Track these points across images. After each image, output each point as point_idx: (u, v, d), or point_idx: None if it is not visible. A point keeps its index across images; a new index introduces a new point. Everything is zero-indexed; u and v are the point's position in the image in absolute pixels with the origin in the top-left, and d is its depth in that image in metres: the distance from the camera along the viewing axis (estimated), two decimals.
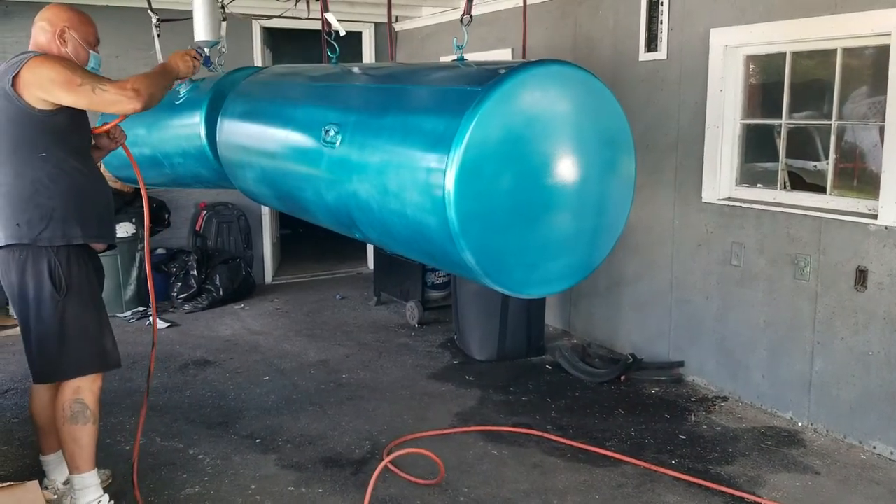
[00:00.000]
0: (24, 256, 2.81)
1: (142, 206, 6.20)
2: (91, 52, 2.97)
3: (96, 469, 2.99)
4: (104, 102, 2.71)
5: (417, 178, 2.24)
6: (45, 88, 2.68)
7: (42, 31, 2.91)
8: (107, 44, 6.13)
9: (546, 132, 2.23)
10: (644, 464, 3.60)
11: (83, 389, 2.91)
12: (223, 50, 4.09)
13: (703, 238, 4.50)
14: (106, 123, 3.09)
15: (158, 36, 4.48)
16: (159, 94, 2.82)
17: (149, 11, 4.31)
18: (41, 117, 2.74)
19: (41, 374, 2.97)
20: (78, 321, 2.87)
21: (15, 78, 2.70)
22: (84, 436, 2.91)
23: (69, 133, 2.82)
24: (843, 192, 3.92)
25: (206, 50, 3.32)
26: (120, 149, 3.24)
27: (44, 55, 2.76)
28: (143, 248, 6.16)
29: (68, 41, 2.89)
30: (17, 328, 5.80)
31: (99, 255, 3.07)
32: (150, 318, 5.86)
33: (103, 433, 3.44)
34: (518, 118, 2.18)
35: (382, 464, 3.34)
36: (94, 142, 3.07)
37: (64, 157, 2.81)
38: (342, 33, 3.34)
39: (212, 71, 3.31)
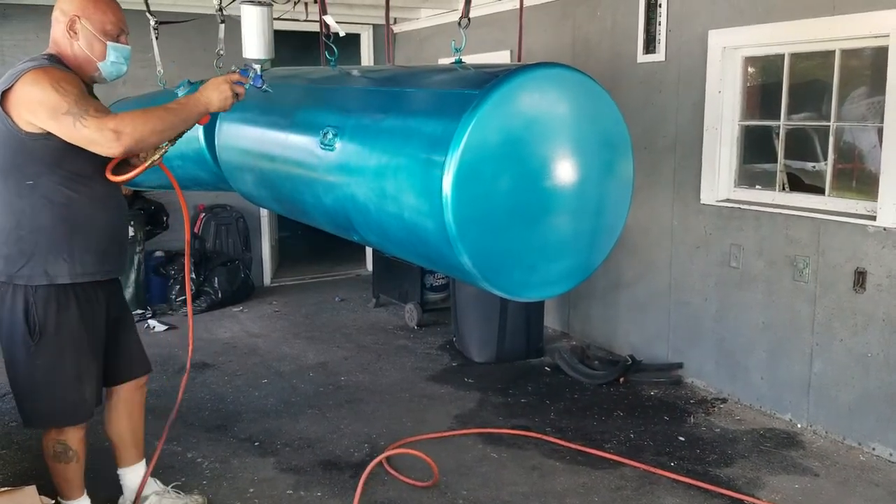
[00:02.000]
0: (4, 293, 2.57)
1: (140, 209, 6.23)
2: (110, 43, 2.57)
3: (85, 492, 2.93)
4: (82, 140, 2.34)
5: (415, 181, 2.24)
6: (33, 111, 2.37)
7: (56, 22, 2.57)
8: None
9: (543, 135, 2.22)
10: (643, 466, 3.59)
11: (67, 432, 2.74)
12: (221, 52, 4.08)
13: (702, 240, 4.50)
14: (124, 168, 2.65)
15: (157, 39, 4.48)
16: (155, 138, 2.40)
17: (147, 14, 4.31)
18: (29, 142, 2.41)
19: (22, 419, 2.81)
20: (51, 370, 2.61)
21: (6, 93, 2.40)
22: (69, 472, 2.81)
23: (64, 158, 2.46)
24: (842, 194, 3.91)
25: (257, 68, 2.70)
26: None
27: (40, 70, 2.40)
28: (141, 250, 6.15)
29: (80, 33, 2.53)
30: None
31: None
32: (149, 322, 5.87)
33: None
34: (515, 121, 2.17)
35: (373, 463, 3.36)
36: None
37: (54, 187, 2.49)
38: (341, 34, 3.33)
39: (264, 92, 2.74)
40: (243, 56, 2.67)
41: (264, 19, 2.67)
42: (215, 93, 2.52)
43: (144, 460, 3.11)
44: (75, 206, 2.54)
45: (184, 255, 6.48)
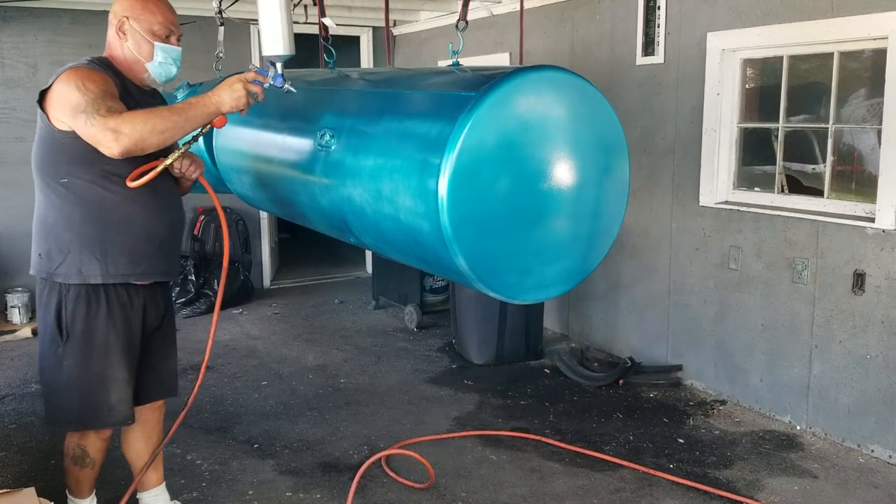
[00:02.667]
0: (43, 289, 2.59)
1: None
2: (157, 44, 2.54)
3: (93, 493, 2.90)
4: (90, 139, 2.31)
5: (411, 183, 2.24)
6: (61, 109, 2.38)
7: (109, 24, 2.57)
8: (102, 50, 6.11)
9: (540, 137, 2.22)
10: (642, 468, 3.59)
11: (88, 437, 2.72)
12: (221, 55, 4.09)
13: (701, 242, 4.50)
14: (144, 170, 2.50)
15: None
16: (156, 139, 2.30)
17: (108, 17, 4.31)
18: (61, 139, 2.42)
19: (45, 415, 2.80)
20: (76, 371, 2.56)
21: (46, 92, 2.44)
22: (82, 475, 2.80)
23: (97, 156, 2.37)
24: (841, 196, 3.91)
25: (278, 66, 2.53)
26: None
27: (73, 69, 2.42)
28: None
29: (128, 34, 2.53)
30: (15, 333, 5.83)
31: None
32: None
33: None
34: (512, 123, 2.17)
35: (367, 463, 3.38)
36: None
37: (87, 185, 2.46)
38: (332, 26, 3.28)
39: (286, 92, 2.55)
40: (262, 54, 2.54)
41: (284, 12, 2.49)
42: (227, 92, 2.40)
43: (164, 484, 3.06)
44: (108, 204, 2.49)
45: (184, 256, 6.48)
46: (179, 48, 2.61)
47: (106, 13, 2.61)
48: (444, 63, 6.36)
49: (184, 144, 2.53)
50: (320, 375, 4.89)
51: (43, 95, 2.45)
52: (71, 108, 2.32)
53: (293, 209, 3.07)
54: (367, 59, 7.51)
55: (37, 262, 2.58)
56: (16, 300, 5.88)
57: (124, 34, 2.53)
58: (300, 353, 5.33)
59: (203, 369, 2.84)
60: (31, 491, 2.68)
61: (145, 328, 2.70)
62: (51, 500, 2.85)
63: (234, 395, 4.55)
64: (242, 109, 2.44)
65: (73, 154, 2.42)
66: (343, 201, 2.57)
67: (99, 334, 2.55)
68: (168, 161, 2.48)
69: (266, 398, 4.50)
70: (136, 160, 2.41)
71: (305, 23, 5.90)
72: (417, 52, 7.20)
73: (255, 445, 3.86)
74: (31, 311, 6.01)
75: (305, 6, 5.66)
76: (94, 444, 2.75)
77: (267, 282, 7.28)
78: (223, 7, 4.62)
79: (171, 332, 2.89)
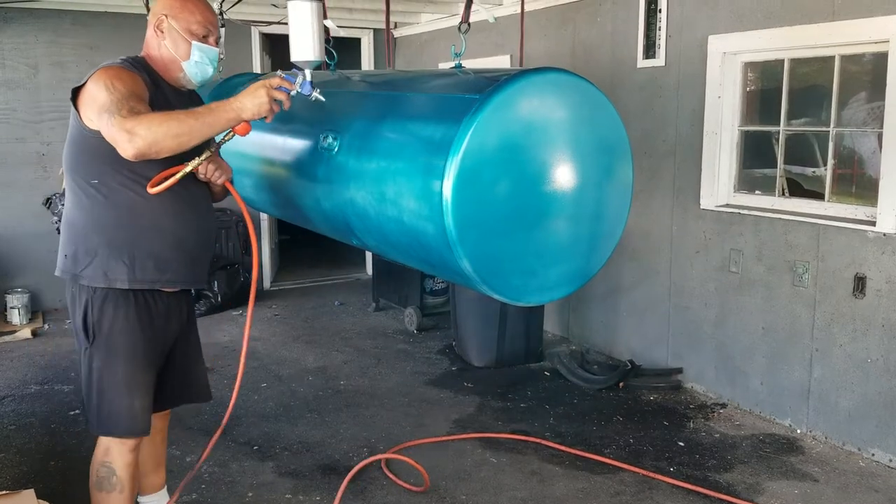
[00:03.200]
0: (72, 290, 2.53)
1: None
2: (195, 43, 2.49)
3: None
4: (109, 139, 2.24)
5: (415, 185, 2.24)
6: (91, 108, 2.31)
7: (148, 23, 2.54)
8: (105, 51, 6.14)
9: (543, 140, 2.23)
10: (642, 471, 3.59)
11: (113, 451, 2.56)
12: (221, 56, 4.08)
13: (702, 245, 4.50)
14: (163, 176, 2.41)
15: None
16: (171, 142, 2.20)
17: (147, 18, 4.31)
18: (92, 139, 2.35)
19: (85, 419, 2.66)
20: (105, 374, 2.51)
21: (80, 90, 2.38)
22: (110, 503, 2.58)
23: (124, 158, 2.27)
24: (842, 199, 3.92)
25: (307, 73, 2.41)
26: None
27: (105, 68, 2.37)
28: None
29: (166, 32, 2.48)
30: (15, 334, 5.82)
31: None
32: None
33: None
34: (515, 126, 2.17)
35: (357, 467, 3.40)
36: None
37: (117, 187, 2.41)
38: (334, 28, 3.28)
39: (314, 101, 2.43)
40: (291, 59, 2.43)
41: (315, 16, 2.40)
42: (249, 98, 2.28)
43: (165, 488, 3.03)
44: (139, 209, 2.43)
45: None
46: (217, 49, 2.55)
47: (106, 15, 2.60)
48: (444, 65, 6.36)
49: (205, 151, 2.44)
50: (320, 377, 4.88)
51: (76, 93, 2.40)
52: (97, 107, 2.27)
53: (295, 211, 3.06)
54: (367, 62, 7.51)
55: (62, 263, 2.52)
56: (15, 301, 5.87)
57: (162, 32, 2.49)
58: (300, 355, 5.33)
59: (238, 382, 2.77)
60: (31, 493, 2.68)
61: (169, 336, 2.66)
62: (50, 502, 2.85)
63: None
64: (266, 117, 2.32)
65: (103, 154, 2.34)
66: (346, 203, 2.57)
67: (124, 338, 2.50)
68: (188, 168, 2.39)
69: (266, 400, 4.50)
70: (166, 163, 2.34)
71: None
72: (418, 54, 7.20)
73: (255, 447, 3.85)
74: (31, 312, 6.01)
75: None
76: (119, 460, 2.56)
77: (267, 283, 7.27)
78: (224, 9, 4.62)
79: (195, 338, 2.88)
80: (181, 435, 3.94)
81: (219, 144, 2.49)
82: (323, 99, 2.43)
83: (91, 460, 2.61)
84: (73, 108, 2.40)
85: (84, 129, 2.37)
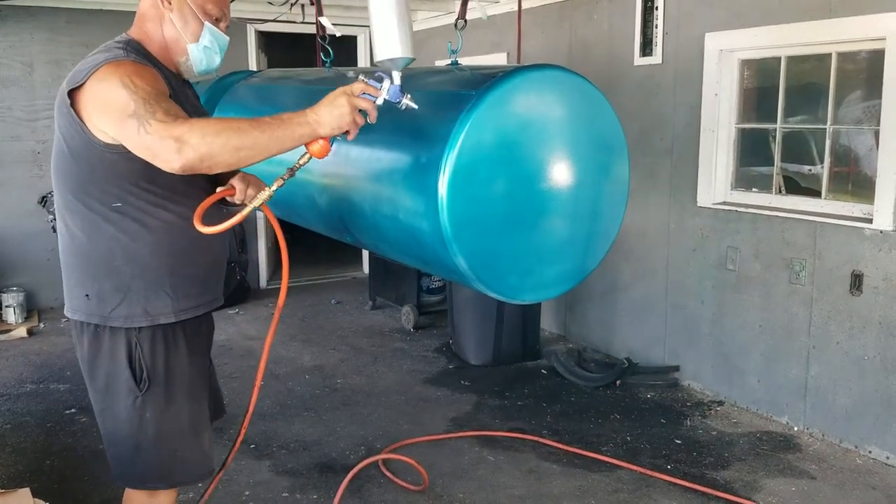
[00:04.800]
0: (97, 336, 2.10)
1: None
2: (208, 25, 2.09)
3: None
4: (144, 150, 1.82)
5: (410, 183, 2.23)
6: (104, 116, 1.88)
7: None
8: None
9: (540, 137, 2.22)
10: (640, 469, 3.58)
11: (160, 498, 2.25)
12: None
13: (699, 242, 4.50)
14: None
15: None
16: (229, 157, 1.79)
17: None
18: (108, 154, 1.93)
19: (115, 476, 2.25)
20: (162, 423, 2.13)
21: (77, 92, 1.92)
22: None
23: (155, 173, 1.89)
24: (838, 197, 3.92)
25: (395, 76, 1.98)
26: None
27: (113, 63, 1.90)
28: None
29: (175, 5, 2.06)
30: (10, 333, 5.80)
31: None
32: None
33: None
34: (512, 122, 2.17)
35: (359, 466, 3.39)
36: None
37: (147, 208, 2.01)
38: (337, 34, 3.31)
39: (405, 109, 2.00)
40: (375, 60, 2.05)
41: (402, 8, 1.98)
42: (327, 109, 1.86)
43: None
44: (176, 230, 2.06)
45: None
46: (228, 38, 2.17)
47: (102, 12, 2.33)
48: (440, 63, 6.35)
49: (274, 182, 1.99)
50: (317, 376, 4.87)
51: (71, 96, 1.93)
52: (117, 112, 1.83)
53: (290, 209, 3.05)
54: (363, 59, 7.50)
55: (83, 306, 2.09)
56: (10, 300, 5.86)
57: (170, 4, 2.06)
58: (297, 354, 5.32)
59: (255, 391, 2.43)
60: (27, 492, 2.68)
61: (209, 357, 2.40)
62: (46, 501, 2.85)
63: (230, 396, 4.50)
64: (348, 132, 1.91)
65: (125, 173, 1.96)
66: (341, 201, 2.56)
67: (181, 376, 2.16)
68: (263, 197, 2.00)
69: (262, 398, 4.48)
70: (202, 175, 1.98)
71: (302, 22, 5.91)
72: (415, 52, 7.17)
73: (252, 446, 3.84)
74: (27, 311, 5.99)
75: (303, 6, 5.66)
76: (166, 500, 2.27)
77: (263, 282, 7.26)
78: None
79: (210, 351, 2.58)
80: None
81: (293, 171, 1.98)
82: (415, 106, 2.01)
83: (128, 496, 2.28)
84: (71, 114, 1.93)
85: (96, 144, 1.93)
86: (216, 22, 2.12)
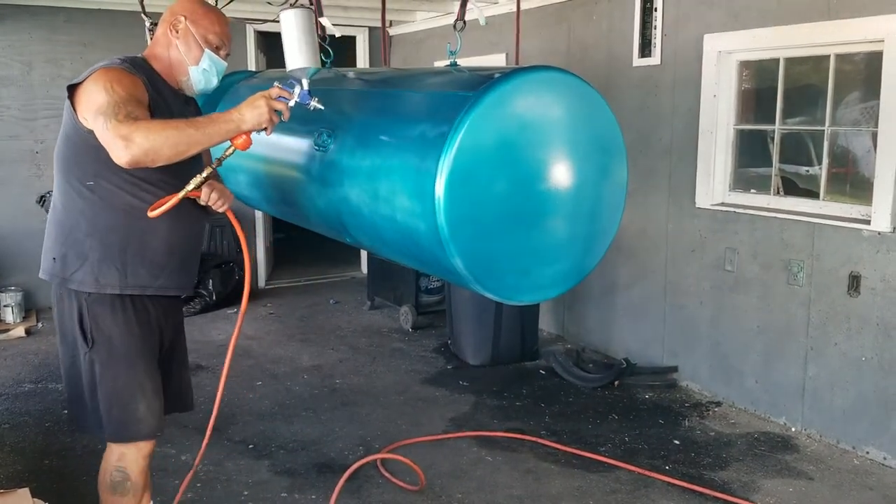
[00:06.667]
0: (60, 293, 2.46)
1: None
2: (208, 51, 2.46)
3: None
4: (104, 143, 2.18)
5: (408, 184, 2.23)
6: (88, 109, 2.24)
7: (162, 21, 2.50)
8: (99, 48, 6.11)
9: (538, 138, 2.22)
10: (638, 469, 3.59)
11: (127, 456, 2.51)
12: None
13: (697, 243, 4.50)
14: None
15: (152, 40, 4.45)
16: (169, 151, 2.15)
17: (142, 15, 4.30)
18: (90, 139, 2.27)
19: (71, 420, 2.64)
20: (107, 380, 2.44)
21: (77, 87, 2.31)
22: None
23: None
24: (836, 198, 3.92)
25: (305, 83, 2.36)
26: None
27: (105, 69, 2.30)
28: None
29: (181, 34, 2.44)
30: (8, 332, 5.79)
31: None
32: None
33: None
34: (509, 124, 2.17)
35: (355, 465, 3.40)
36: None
37: (114, 190, 2.35)
38: (336, 35, 3.32)
39: (312, 110, 2.38)
40: (287, 70, 2.34)
41: (303, 23, 2.36)
42: (249, 109, 2.24)
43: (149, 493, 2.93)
44: (135, 213, 2.36)
45: None
46: (226, 64, 2.54)
47: (101, 12, 2.53)
48: (439, 64, 6.35)
49: (206, 168, 2.38)
50: (315, 376, 4.88)
51: (72, 89, 2.32)
52: (95, 108, 2.20)
53: (289, 209, 3.06)
54: (362, 60, 7.50)
55: (50, 266, 2.45)
56: (9, 299, 5.85)
57: (177, 32, 2.44)
58: (295, 354, 5.32)
59: (222, 384, 2.72)
60: (26, 492, 2.68)
61: (165, 341, 2.62)
62: (45, 501, 2.84)
63: (228, 396, 4.52)
64: (266, 129, 2.29)
65: (101, 155, 2.24)
66: (340, 201, 2.57)
67: (122, 342, 2.44)
68: (191, 186, 2.34)
69: (261, 398, 4.49)
70: (167, 168, 2.26)
71: None
72: (413, 52, 7.19)
73: (251, 446, 3.85)
74: (25, 310, 5.99)
75: (302, 6, 5.64)
76: (135, 464, 2.52)
77: (262, 282, 7.26)
78: (222, 6, 4.60)
79: (183, 344, 2.82)
80: (176, 433, 3.92)
81: (220, 160, 2.38)
82: (322, 107, 2.39)
83: (103, 462, 2.55)
84: (69, 104, 2.33)
85: (81, 129, 2.30)
86: (216, 50, 2.49)
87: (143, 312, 2.48)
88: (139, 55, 2.49)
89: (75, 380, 2.52)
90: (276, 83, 2.33)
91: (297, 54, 2.43)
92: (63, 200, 2.42)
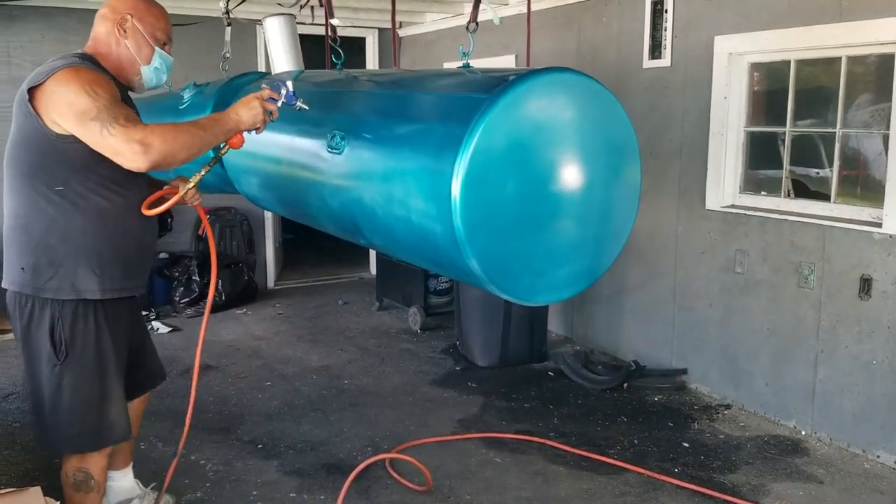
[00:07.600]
0: (29, 306, 2.41)
1: None
2: (158, 49, 2.50)
3: None
4: (108, 149, 2.18)
5: (423, 185, 2.24)
6: (62, 114, 2.22)
7: (102, 19, 2.46)
8: None
9: (552, 139, 2.22)
10: (647, 472, 3.58)
11: (90, 460, 2.56)
12: (227, 55, 4.09)
13: (707, 245, 4.50)
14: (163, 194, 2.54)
15: None
16: (184, 154, 2.22)
17: (101, 13, 4.30)
18: (59, 143, 2.26)
19: (38, 439, 2.71)
20: (76, 391, 2.45)
21: (36, 90, 2.26)
22: (88, 502, 2.61)
23: (96, 163, 2.27)
24: (847, 200, 3.91)
25: (289, 85, 2.51)
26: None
27: (72, 69, 2.26)
28: None
29: (130, 32, 2.44)
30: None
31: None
32: (153, 324, 5.87)
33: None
34: (524, 125, 2.17)
35: (363, 465, 3.43)
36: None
37: (85, 193, 2.34)
38: (337, 23, 3.30)
39: (298, 110, 2.56)
40: (273, 73, 2.51)
41: (285, 28, 2.53)
42: (245, 109, 2.37)
43: (132, 464, 3.06)
44: (108, 214, 2.39)
45: (188, 256, 6.50)
46: (172, 58, 2.59)
47: (96, 12, 2.55)
48: (449, 65, 6.36)
49: (202, 167, 2.47)
50: (324, 376, 4.88)
51: (31, 93, 2.27)
52: (78, 113, 2.18)
53: (302, 210, 3.07)
54: (372, 61, 7.52)
55: (19, 277, 2.40)
56: None
57: (125, 32, 2.44)
58: (304, 354, 5.33)
59: (195, 380, 2.89)
60: (38, 490, 2.67)
61: (134, 337, 2.72)
62: (57, 500, 2.85)
63: (238, 396, 4.54)
64: (259, 128, 2.42)
65: (71, 160, 2.28)
66: (353, 203, 2.57)
67: (95, 350, 2.46)
68: (191, 184, 2.45)
69: (270, 399, 4.50)
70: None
71: (312, 24, 5.91)
72: (423, 53, 7.20)
73: (260, 446, 3.86)
74: None
75: (312, 7, 5.66)
76: (96, 464, 2.58)
77: (271, 282, 7.28)
78: (230, 7, 4.62)
79: (145, 330, 2.98)
80: (179, 434, 3.94)
81: (216, 159, 2.47)
82: (307, 108, 2.53)
83: (64, 464, 2.59)
84: (29, 107, 2.26)
85: (49, 134, 2.26)
86: (163, 46, 2.54)
87: (116, 315, 2.51)
88: (85, 52, 2.45)
89: (36, 396, 2.50)
90: (264, 84, 2.47)
91: (282, 58, 2.59)
92: (26, 207, 2.37)
